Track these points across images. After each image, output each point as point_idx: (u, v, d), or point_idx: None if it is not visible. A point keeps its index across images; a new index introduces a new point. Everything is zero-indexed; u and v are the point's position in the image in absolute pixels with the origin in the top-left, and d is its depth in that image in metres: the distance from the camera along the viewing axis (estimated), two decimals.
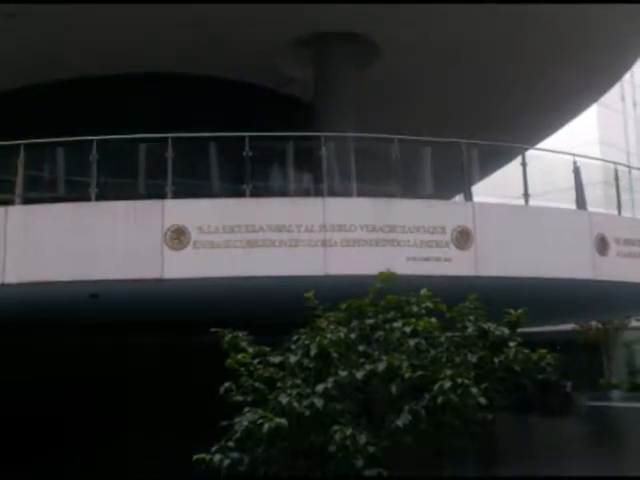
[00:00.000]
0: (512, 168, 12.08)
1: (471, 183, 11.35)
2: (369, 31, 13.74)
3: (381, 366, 4.92)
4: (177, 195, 9.71)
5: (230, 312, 9.48)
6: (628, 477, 9.52)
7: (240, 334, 5.52)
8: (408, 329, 5.17)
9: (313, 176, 11.39)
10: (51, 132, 9.94)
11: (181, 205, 9.61)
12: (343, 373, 4.99)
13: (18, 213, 9.58)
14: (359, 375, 4.98)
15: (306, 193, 11.69)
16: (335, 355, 5.11)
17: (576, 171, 11.84)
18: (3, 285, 9.03)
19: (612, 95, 29.86)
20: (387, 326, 5.35)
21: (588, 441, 15.94)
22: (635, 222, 12.34)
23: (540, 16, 13.34)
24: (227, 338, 5.48)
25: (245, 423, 4.80)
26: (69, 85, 14.90)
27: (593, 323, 29.92)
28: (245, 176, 10.04)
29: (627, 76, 26.08)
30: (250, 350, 5.40)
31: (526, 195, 11.04)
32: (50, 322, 12.44)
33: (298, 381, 5.10)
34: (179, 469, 5.99)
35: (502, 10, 12.71)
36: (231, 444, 4.86)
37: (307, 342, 5.18)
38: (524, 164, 11.36)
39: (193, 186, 10.80)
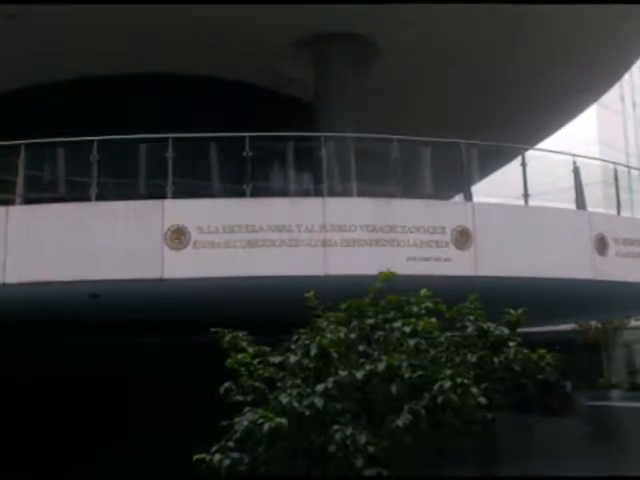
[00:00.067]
0: (512, 168, 12.09)
1: (471, 183, 11.36)
2: (369, 31, 13.74)
3: (381, 366, 4.93)
4: (177, 195, 9.72)
5: (230, 312, 9.48)
6: (628, 477, 9.52)
7: (240, 334, 5.53)
8: (408, 329, 5.18)
9: (313, 176, 11.40)
10: (51, 132, 9.94)
11: (181, 205, 9.61)
12: (343, 373, 4.99)
13: (18, 213, 9.59)
14: (359, 375, 4.99)
15: (306, 193, 11.70)
16: (335, 355, 5.12)
17: (576, 171, 11.85)
18: (4, 285, 9.04)
19: (611, 96, 29.89)
20: (387, 326, 5.36)
21: (588, 441, 15.95)
22: (634, 222, 12.36)
23: (540, 16, 13.35)
24: (227, 338, 5.48)
25: (245, 423, 4.80)
26: (69, 85, 14.91)
27: (593, 323, 29.94)
28: (245, 176, 10.05)
29: (626, 77, 26.13)
30: (250, 350, 5.41)
31: (526, 195, 11.06)
32: (50, 322, 12.44)
33: (298, 381, 5.11)
34: (179, 469, 5.99)
35: (502, 10, 12.72)
36: (231, 444, 4.87)
37: (307, 342, 5.19)
38: (524, 164, 11.37)
39: (193, 186, 10.81)
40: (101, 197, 9.65)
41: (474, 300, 5.72)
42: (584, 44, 15.05)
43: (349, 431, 4.64)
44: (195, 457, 4.81)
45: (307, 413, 4.78)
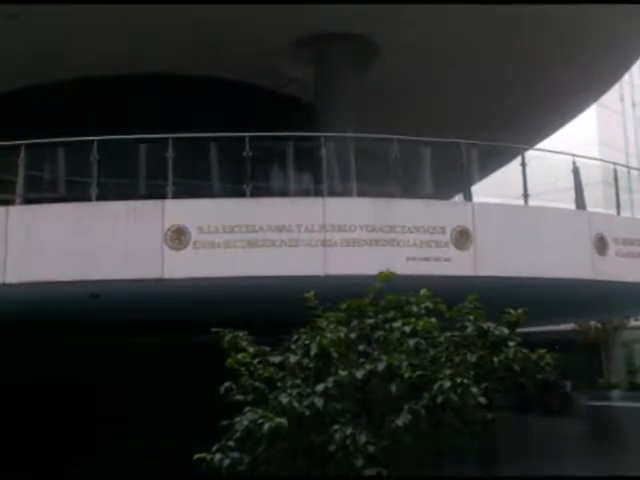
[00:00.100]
0: (512, 168, 12.09)
1: (471, 183, 11.36)
2: (369, 31, 13.75)
3: (381, 366, 4.94)
4: (177, 195, 9.72)
5: (230, 312, 9.48)
6: (628, 477, 9.52)
7: (240, 334, 5.53)
8: (408, 329, 5.19)
9: (313, 176, 11.41)
10: (51, 132, 9.95)
11: (181, 205, 9.62)
12: (343, 373, 5.00)
13: (19, 213, 9.59)
14: (359, 375, 4.99)
15: (306, 193, 11.70)
16: (335, 355, 5.13)
17: (575, 171, 11.86)
18: (4, 285, 9.04)
19: (611, 96, 29.89)
20: (387, 326, 5.37)
21: (588, 441, 15.96)
22: (634, 222, 12.36)
23: (540, 16, 13.35)
24: (227, 338, 5.49)
25: (245, 423, 4.81)
26: (69, 85, 14.91)
27: (592, 323, 29.94)
28: (245, 176, 10.05)
29: (626, 77, 26.13)
30: (250, 350, 5.42)
31: (525, 195, 11.07)
32: (50, 322, 12.45)
33: (298, 381, 5.12)
34: (179, 469, 6.00)
35: (502, 10, 12.72)
36: (231, 444, 4.88)
37: (307, 342, 5.20)
38: (523, 164, 11.38)
39: (193, 186, 10.82)
40: (101, 197, 9.66)
41: (474, 300, 5.73)
42: (584, 44, 15.05)
43: (349, 431, 4.65)
44: (195, 456, 4.82)
45: (307, 413, 4.79)
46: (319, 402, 4.79)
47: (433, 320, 5.33)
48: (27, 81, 14.97)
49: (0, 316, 11.26)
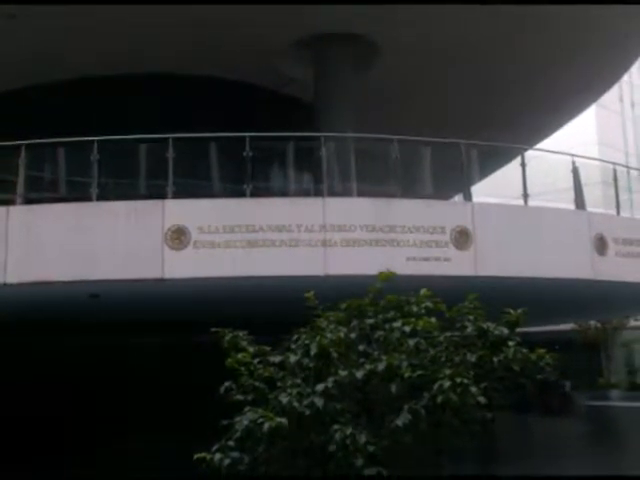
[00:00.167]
0: (512, 168, 12.10)
1: (470, 183, 11.37)
2: (369, 32, 13.75)
3: (381, 366, 4.94)
4: (177, 195, 9.73)
5: (230, 312, 9.48)
6: (628, 477, 9.53)
7: (240, 334, 5.54)
8: (408, 329, 5.19)
9: (313, 176, 11.42)
10: (52, 132, 9.96)
11: (181, 205, 9.63)
12: (343, 373, 5.01)
13: (19, 213, 9.60)
14: (359, 375, 5.00)
15: (306, 193, 11.71)
16: (335, 355, 5.13)
17: (575, 171, 11.87)
18: (4, 285, 9.05)
19: (610, 96, 29.89)
20: (387, 326, 5.37)
21: (587, 440, 15.96)
22: (633, 222, 12.37)
23: (540, 16, 13.36)
24: (227, 338, 5.49)
25: (245, 422, 4.82)
26: (69, 85, 14.91)
27: (592, 323, 29.95)
28: (245, 176, 10.06)
29: (625, 77, 26.10)
30: (250, 350, 5.42)
31: (525, 195, 11.07)
32: (50, 322, 12.46)
33: (298, 380, 5.13)
34: (179, 469, 6.01)
35: (502, 10, 12.72)
36: (231, 443, 4.88)
37: (307, 342, 5.20)
38: (523, 164, 11.39)
39: (193, 186, 10.82)
40: (102, 197, 9.67)
41: (473, 300, 5.73)
42: (584, 44, 15.06)
43: (349, 431, 4.65)
44: (195, 456, 4.82)
45: (307, 413, 4.79)
46: (319, 402, 4.80)
47: (433, 320, 5.34)
48: (27, 81, 14.97)
49: (0, 316, 11.27)
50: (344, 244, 9.50)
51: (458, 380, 4.79)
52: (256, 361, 5.35)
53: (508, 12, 12.91)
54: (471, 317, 5.60)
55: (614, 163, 13.39)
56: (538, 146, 20.30)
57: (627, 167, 15.26)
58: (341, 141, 11.75)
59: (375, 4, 12.14)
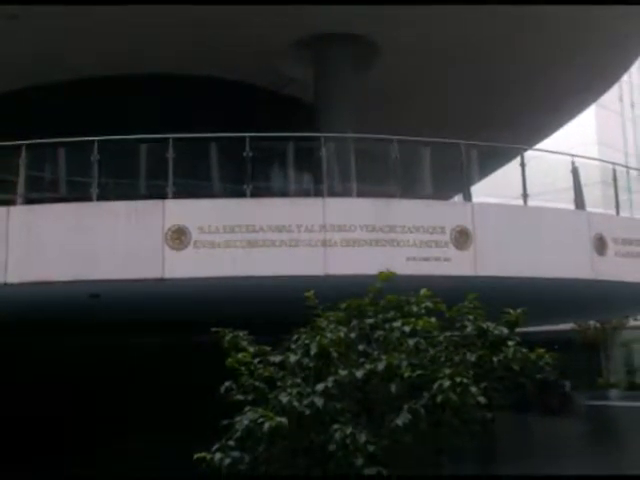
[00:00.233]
0: (511, 168, 12.11)
1: (470, 183, 11.39)
2: (369, 32, 13.76)
3: (381, 365, 4.95)
4: (178, 195, 9.74)
5: (230, 312, 9.49)
6: (628, 476, 9.54)
7: (240, 334, 5.55)
8: (407, 329, 5.20)
9: (313, 176, 11.43)
10: (52, 133, 9.97)
11: (182, 205, 9.64)
12: (343, 372, 5.01)
13: (20, 213, 9.61)
14: (359, 374, 5.01)
15: (306, 193, 11.73)
16: (335, 354, 5.14)
17: (574, 171, 11.88)
18: (5, 285, 9.06)
19: (610, 96, 29.87)
20: (387, 326, 5.38)
21: (587, 440, 15.98)
22: (633, 222, 12.38)
23: (540, 17, 13.37)
24: (227, 337, 5.50)
25: (246, 422, 4.83)
26: (69, 85, 14.92)
27: (591, 322, 29.96)
28: (245, 176, 10.07)
29: (625, 77, 26.12)
30: (250, 349, 5.42)
31: (525, 195, 11.08)
32: (51, 322, 12.46)
33: (298, 380, 5.13)
34: (179, 469, 6.01)
35: (502, 10, 12.73)
36: (232, 443, 4.89)
37: (307, 341, 5.21)
38: (523, 164, 11.40)
39: (194, 186, 10.84)
40: (102, 197, 9.68)
41: (473, 300, 5.74)
42: (584, 44, 15.07)
43: (349, 430, 4.66)
44: (195, 456, 4.83)
45: (307, 412, 4.80)
46: (319, 401, 4.80)
47: (433, 320, 5.34)
48: (27, 81, 14.98)
49: (1, 316, 11.27)
50: (344, 244, 9.51)
51: (458, 380, 4.79)
52: (256, 361, 5.35)
53: (508, 12, 12.92)
54: (471, 317, 5.60)
55: (614, 163, 13.41)
56: (538, 146, 20.32)
57: (627, 167, 15.29)
58: (341, 141, 11.76)
59: (375, 4, 12.16)
